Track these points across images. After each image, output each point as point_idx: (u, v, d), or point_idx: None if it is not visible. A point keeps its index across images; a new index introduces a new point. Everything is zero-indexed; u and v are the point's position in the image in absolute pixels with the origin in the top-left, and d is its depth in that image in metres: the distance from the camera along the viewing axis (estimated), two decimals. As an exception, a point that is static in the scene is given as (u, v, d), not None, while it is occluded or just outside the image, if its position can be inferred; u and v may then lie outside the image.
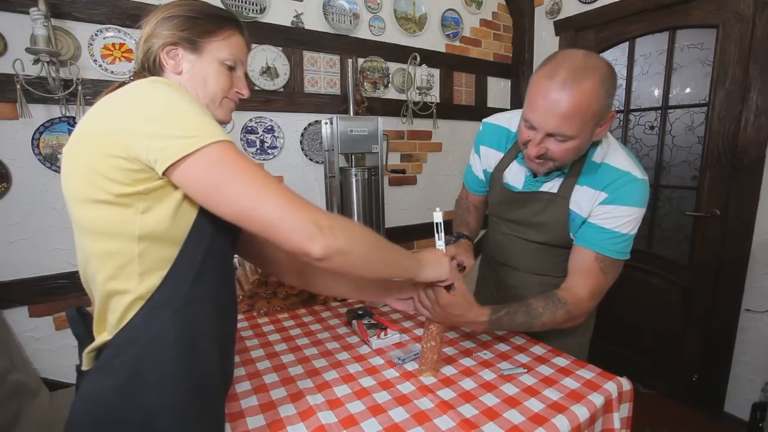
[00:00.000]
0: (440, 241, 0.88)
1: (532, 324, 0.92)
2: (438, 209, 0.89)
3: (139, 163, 0.54)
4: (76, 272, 1.06)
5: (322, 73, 1.97)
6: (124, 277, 0.57)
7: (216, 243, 0.63)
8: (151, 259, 0.58)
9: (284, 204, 0.56)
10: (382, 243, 0.71)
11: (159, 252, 0.58)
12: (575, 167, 0.96)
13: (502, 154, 1.12)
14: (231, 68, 0.72)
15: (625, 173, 0.92)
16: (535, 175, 1.02)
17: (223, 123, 0.74)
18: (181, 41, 0.68)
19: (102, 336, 0.61)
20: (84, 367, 0.62)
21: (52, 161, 1.43)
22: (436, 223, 0.88)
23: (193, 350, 0.60)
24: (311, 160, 1.98)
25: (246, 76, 0.78)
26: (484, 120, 1.19)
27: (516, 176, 1.08)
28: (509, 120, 1.12)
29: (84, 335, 0.64)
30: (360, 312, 1.17)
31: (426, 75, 2.15)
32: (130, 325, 0.58)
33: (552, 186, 1.01)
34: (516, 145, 1.06)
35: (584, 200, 0.96)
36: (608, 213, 0.93)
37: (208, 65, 0.70)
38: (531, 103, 0.86)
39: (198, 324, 0.61)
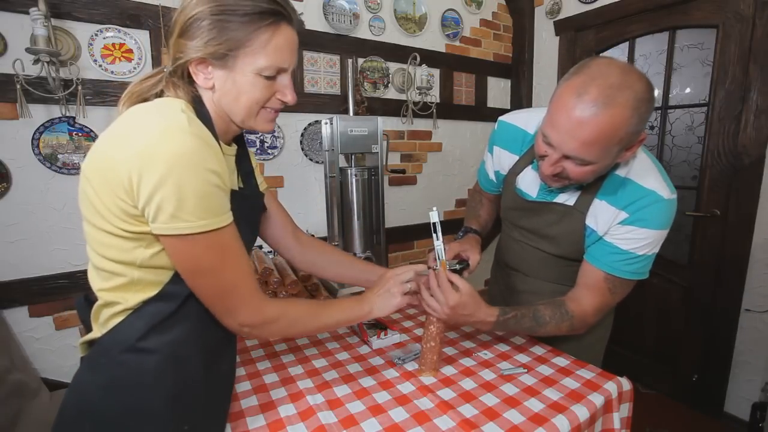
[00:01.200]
0: (438, 242, 0.88)
1: (537, 330, 0.93)
2: (434, 209, 0.88)
3: (140, 210, 0.55)
4: (76, 272, 1.05)
5: (322, 73, 1.97)
6: (119, 292, 0.60)
7: None
8: (147, 282, 0.60)
9: (245, 306, 0.64)
10: (320, 315, 0.77)
11: (156, 276, 0.60)
12: (596, 181, 0.88)
13: (516, 157, 1.04)
14: (271, 77, 0.64)
15: (650, 192, 0.84)
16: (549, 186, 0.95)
17: (263, 132, 0.73)
18: (208, 57, 0.60)
19: (93, 332, 0.64)
20: (80, 354, 0.66)
21: (52, 161, 1.43)
22: (433, 223, 0.87)
23: (173, 357, 0.61)
24: (311, 160, 1.98)
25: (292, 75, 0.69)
26: (500, 118, 1.10)
27: (530, 183, 1.01)
28: (526, 121, 1.04)
29: (90, 322, 0.66)
30: (360, 312, 1.17)
31: (426, 75, 2.15)
32: (116, 329, 0.60)
33: (568, 198, 0.94)
34: (532, 150, 0.98)
35: (603, 217, 0.88)
36: (627, 234, 0.86)
37: (242, 78, 0.62)
38: (552, 119, 0.77)
39: (180, 333, 0.62)
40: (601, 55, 2.27)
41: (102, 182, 0.55)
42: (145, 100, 0.63)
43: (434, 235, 0.88)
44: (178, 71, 0.64)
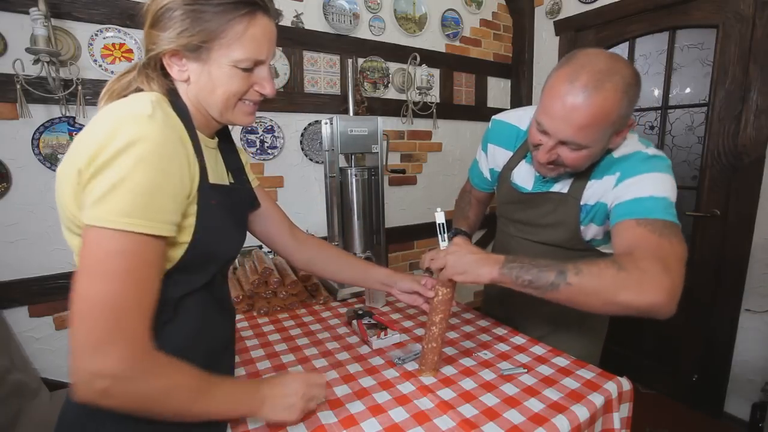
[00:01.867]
0: (444, 242, 0.88)
1: (564, 270, 0.71)
2: (439, 210, 0.88)
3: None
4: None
5: (322, 73, 1.97)
6: None
7: (204, 272, 0.63)
8: None
9: (124, 342, 0.49)
10: (205, 395, 0.58)
11: None
12: (588, 167, 0.90)
13: (511, 153, 1.08)
14: (248, 69, 0.61)
15: (633, 153, 0.86)
16: (544, 176, 0.96)
17: (242, 125, 0.69)
18: (181, 49, 0.58)
19: None
20: None
21: (52, 161, 1.43)
22: (440, 224, 0.87)
23: None
24: (311, 160, 1.98)
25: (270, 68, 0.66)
26: (493, 117, 1.14)
27: (525, 177, 1.04)
28: (520, 118, 1.07)
29: None
30: (360, 312, 1.17)
31: (426, 75, 2.15)
32: None
33: (562, 186, 0.96)
34: (525, 145, 1.01)
35: (599, 191, 0.89)
36: (630, 185, 0.82)
37: (217, 71, 0.60)
38: (546, 107, 0.80)
39: (177, 342, 0.60)
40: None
41: (67, 184, 0.53)
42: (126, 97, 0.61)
43: (440, 236, 0.88)
44: (152, 63, 0.61)
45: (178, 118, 0.59)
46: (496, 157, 1.12)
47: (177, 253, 0.58)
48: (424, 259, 0.93)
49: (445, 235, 0.88)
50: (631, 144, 0.89)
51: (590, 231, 0.96)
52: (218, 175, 0.69)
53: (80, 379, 0.49)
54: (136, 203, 0.49)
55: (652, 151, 0.86)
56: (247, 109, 0.66)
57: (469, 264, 0.79)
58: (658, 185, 0.80)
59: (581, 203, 0.93)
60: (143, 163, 0.49)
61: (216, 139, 0.72)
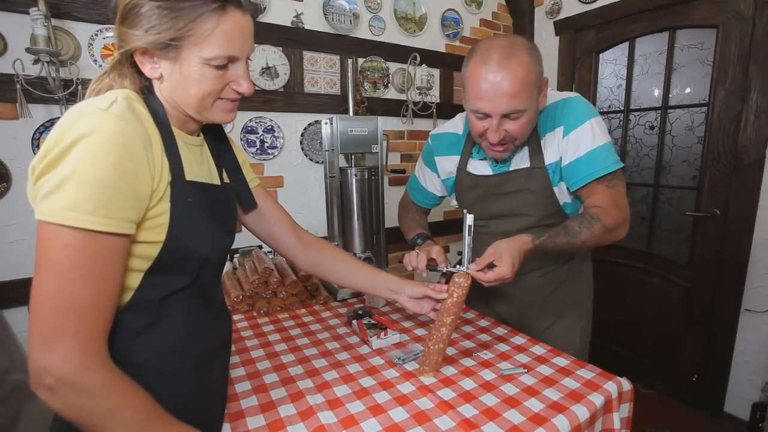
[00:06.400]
0: (468, 238, 0.87)
1: (574, 243, 0.95)
2: (465, 211, 0.87)
3: None
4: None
5: (322, 73, 1.97)
6: None
7: (189, 268, 0.61)
8: None
9: (69, 342, 0.48)
10: (147, 422, 0.53)
11: (124, 280, 0.55)
12: (534, 137, 1.01)
13: (457, 157, 1.15)
14: (222, 66, 0.59)
15: (559, 101, 1.00)
16: (497, 161, 1.06)
17: (222, 123, 0.67)
18: (150, 47, 0.56)
19: None
20: None
21: (52, 161, 1.43)
22: (468, 226, 0.86)
23: (160, 372, 0.58)
24: (311, 160, 1.98)
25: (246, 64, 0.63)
26: (430, 134, 1.24)
27: (480, 168, 1.11)
28: (454, 125, 1.18)
29: None
30: (360, 312, 1.17)
31: (426, 75, 2.15)
32: None
33: (521, 161, 1.04)
34: (467, 144, 1.12)
35: (552, 144, 1.00)
36: (574, 141, 0.97)
37: (189, 69, 0.58)
38: (477, 93, 0.89)
39: (161, 343, 0.58)
40: (600, 55, 2.27)
41: (28, 183, 0.52)
42: None
43: (467, 234, 0.87)
44: (124, 60, 0.60)
45: (150, 115, 0.58)
46: (446, 166, 1.19)
47: (152, 252, 0.56)
48: (416, 259, 0.98)
49: (469, 237, 0.87)
50: (550, 95, 1.01)
51: (561, 192, 1.05)
52: (201, 172, 0.67)
53: (32, 371, 0.48)
54: (81, 198, 0.47)
55: (570, 95, 1.00)
56: (226, 107, 0.64)
57: (515, 256, 0.88)
58: (596, 132, 0.96)
59: (545, 164, 1.01)
60: (91, 156, 0.48)
61: (200, 137, 0.70)
